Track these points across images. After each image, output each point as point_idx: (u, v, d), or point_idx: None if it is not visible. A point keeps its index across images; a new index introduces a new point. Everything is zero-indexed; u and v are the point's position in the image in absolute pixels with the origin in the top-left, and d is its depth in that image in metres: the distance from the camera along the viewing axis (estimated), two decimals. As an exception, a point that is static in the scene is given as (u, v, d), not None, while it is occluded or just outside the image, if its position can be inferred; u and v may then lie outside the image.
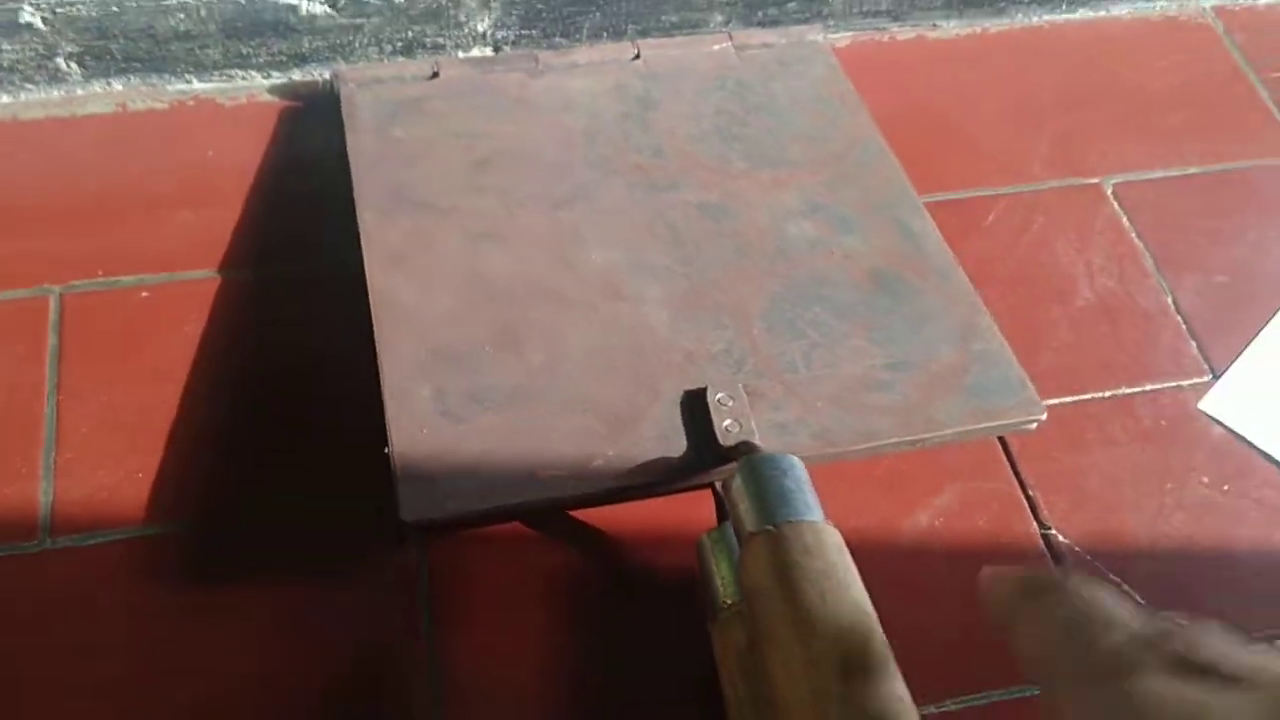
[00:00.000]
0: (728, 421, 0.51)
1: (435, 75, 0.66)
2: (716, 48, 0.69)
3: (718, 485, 0.50)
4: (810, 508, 0.44)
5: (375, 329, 0.53)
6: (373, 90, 0.65)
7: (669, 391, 0.52)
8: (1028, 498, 0.56)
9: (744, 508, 0.44)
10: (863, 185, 0.62)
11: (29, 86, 0.66)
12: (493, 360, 0.53)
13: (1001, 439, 0.57)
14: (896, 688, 0.37)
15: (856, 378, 0.53)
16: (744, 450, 0.49)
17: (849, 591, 0.41)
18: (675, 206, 0.60)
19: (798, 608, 0.40)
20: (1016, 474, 0.56)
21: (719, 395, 0.52)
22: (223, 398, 0.56)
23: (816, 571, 0.41)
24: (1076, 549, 0.54)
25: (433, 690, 0.48)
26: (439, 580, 0.51)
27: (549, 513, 0.51)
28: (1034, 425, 0.54)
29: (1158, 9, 0.80)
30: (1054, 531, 0.55)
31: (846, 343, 0.55)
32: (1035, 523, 0.55)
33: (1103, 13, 0.79)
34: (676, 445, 0.51)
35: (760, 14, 0.73)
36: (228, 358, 0.57)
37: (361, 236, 0.57)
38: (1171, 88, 0.75)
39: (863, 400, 0.53)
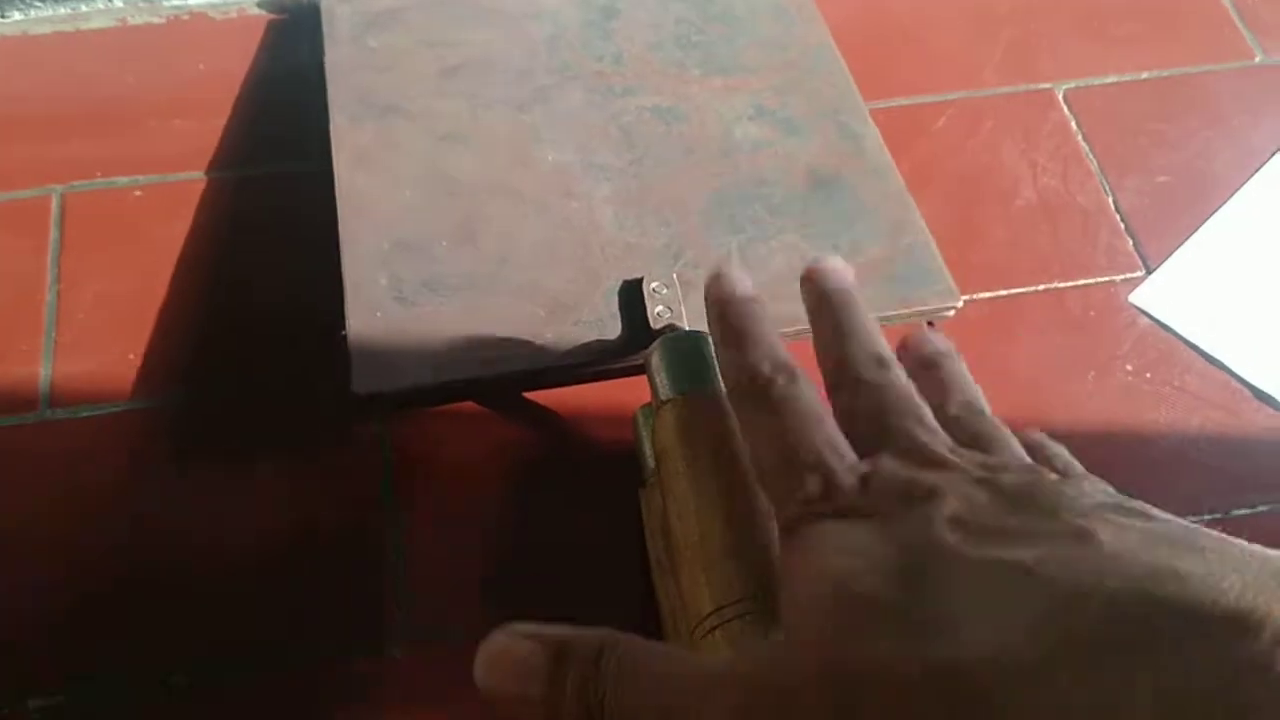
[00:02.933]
0: (660, 308, 0.54)
1: (412, -13, 0.69)
2: (681, -40, 0.72)
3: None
4: (718, 379, 0.48)
5: (339, 223, 0.58)
6: (352, 3, 0.69)
7: (610, 280, 0.56)
8: None
9: (659, 380, 0.48)
10: (811, 91, 0.65)
11: (37, 4, 0.70)
12: (448, 251, 0.57)
13: (932, 328, 0.60)
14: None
15: (786, 270, 0.57)
16: (669, 332, 0.53)
17: (743, 455, 0.45)
18: (629, 110, 0.64)
19: (692, 465, 0.44)
20: None
21: (654, 284, 0.55)
22: (206, 286, 0.60)
23: (714, 434, 0.45)
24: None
25: (394, 548, 0.53)
26: (400, 454, 0.56)
27: (494, 390, 0.56)
28: (951, 312, 0.57)
29: None
30: None
31: (780, 237, 0.58)
32: None
33: None
34: (613, 329, 0.55)
35: None
36: (211, 250, 0.62)
37: (332, 138, 0.61)
38: None
39: (791, 289, 0.55)
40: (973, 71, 0.72)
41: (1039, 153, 0.68)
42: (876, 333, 0.39)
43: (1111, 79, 0.72)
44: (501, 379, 0.54)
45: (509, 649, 0.31)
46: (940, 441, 0.33)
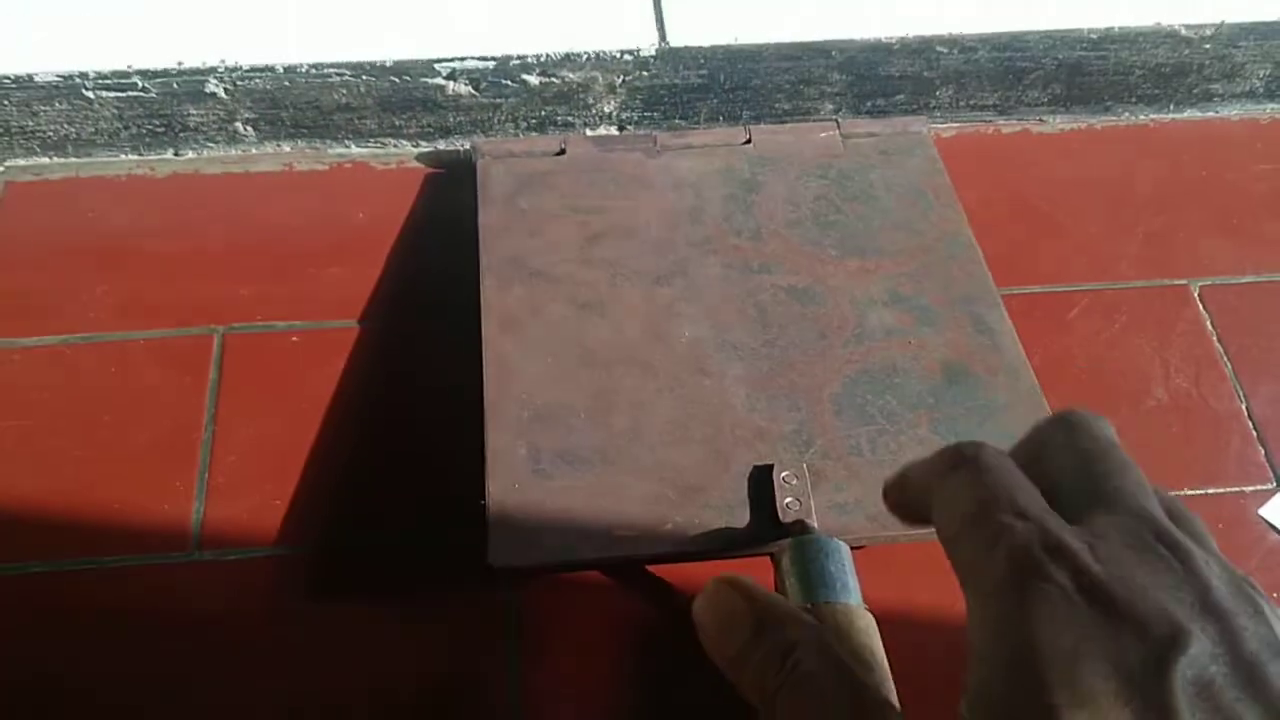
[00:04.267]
0: (789, 499, 0.55)
1: (562, 152, 0.72)
2: (823, 135, 0.74)
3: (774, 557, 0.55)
4: (847, 590, 0.48)
5: (485, 388, 0.60)
6: (505, 163, 0.72)
7: (739, 465, 0.58)
8: None
9: (789, 584, 0.49)
10: (946, 278, 0.66)
11: (210, 145, 0.75)
12: (583, 423, 0.59)
13: None
14: None
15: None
16: (799, 529, 0.53)
17: (871, 673, 0.45)
18: (765, 288, 0.65)
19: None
20: None
21: (784, 473, 0.56)
22: (352, 436, 0.63)
23: (846, 653, 0.45)
24: None
25: (513, 710, 0.55)
26: (526, 617, 0.58)
27: (621, 566, 0.57)
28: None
29: (1268, 112, 0.81)
30: None
31: (911, 431, 0.59)
32: None
33: (1211, 114, 0.81)
34: (740, 517, 0.56)
35: (869, 104, 0.77)
36: (359, 400, 0.65)
37: (481, 301, 0.64)
38: (1273, 191, 0.76)
39: (919, 487, 0.57)
40: (1108, 262, 0.72)
41: (1172, 351, 0.68)
42: None
43: (1249, 278, 0.72)
44: (629, 560, 0.55)
45: (725, 598, 0.35)
46: (1162, 514, 0.29)
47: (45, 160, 0.74)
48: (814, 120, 0.78)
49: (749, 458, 0.58)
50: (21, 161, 0.74)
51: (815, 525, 0.54)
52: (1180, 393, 0.66)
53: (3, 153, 0.73)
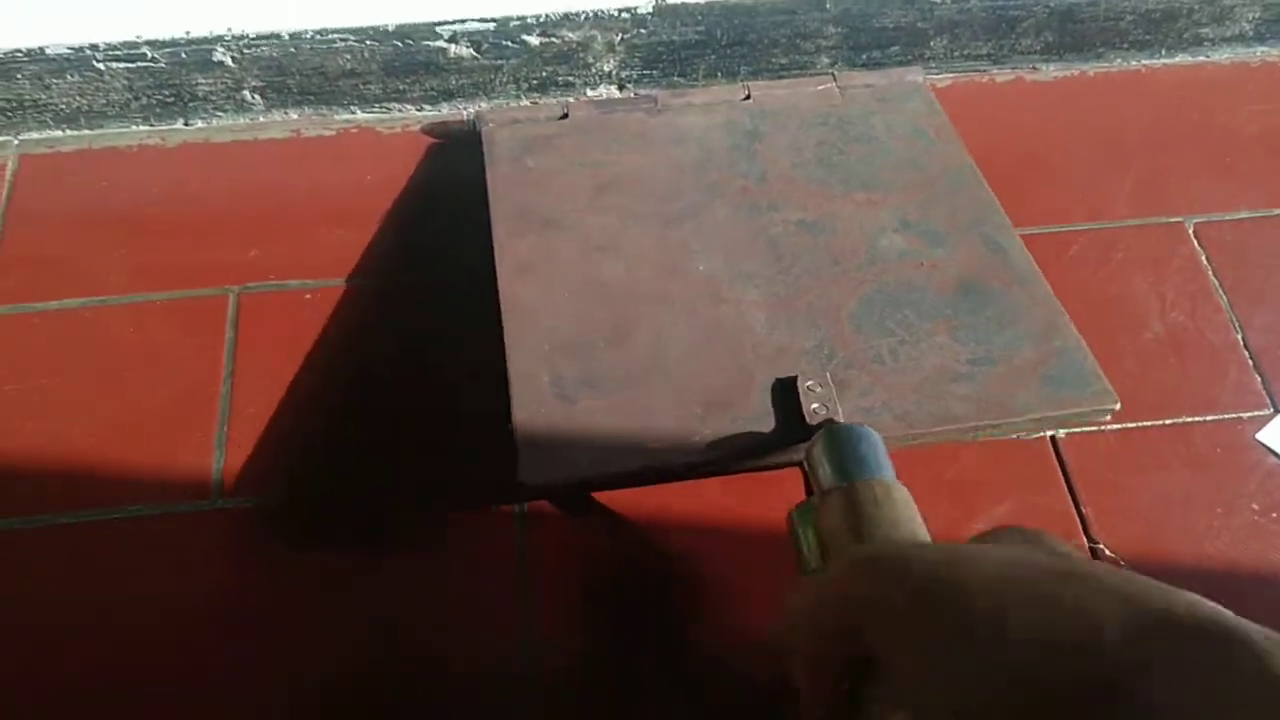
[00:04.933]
0: (815, 404, 0.56)
1: (565, 116, 0.73)
2: (821, 88, 0.75)
3: (804, 463, 0.54)
4: (882, 467, 0.48)
5: (504, 325, 0.60)
6: (510, 129, 0.73)
7: (762, 379, 0.58)
8: (1080, 513, 0.59)
9: (822, 471, 0.49)
10: (953, 206, 0.66)
11: (219, 114, 0.76)
12: (604, 352, 0.59)
13: (1059, 458, 0.61)
14: None
15: (939, 370, 0.58)
16: (829, 423, 0.53)
17: (916, 539, 0.45)
18: (775, 224, 0.66)
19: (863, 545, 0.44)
20: (1071, 491, 0.60)
21: (809, 382, 0.57)
22: (366, 384, 0.63)
23: (886, 521, 0.45)
24: (1122, 563, 0.57)
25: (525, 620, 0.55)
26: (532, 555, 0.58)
27: (653, 480, 0.57)
28: (1108, 415, 0.57)
29: (1258, 54, 0.83)
30: (1102, 546, 0.58)
31: (931, 340, 0.59)
32: (1085, 536, 0.58)
33: (1201, 58, 0.83)
34: (767, 424, 0.56)
35: (864, 57, 0.79)
36: (371, 350, 0.65)
37: (495, 248, 0.64)
38: (1264, 131, 0.77)
39: (944, 389, 0.57)
40: (1104, 202, 0.73)
41: (1168, 286, 0.69)
42: None
43: (1243, 214, 0.73)
44: (659, 472, 0.55)
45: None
46: None
47: (58, 133, 0.75)
48: (811, 74, 0.79)
49: (772, 372, 0.58)
50: (35, 135, 0.74)
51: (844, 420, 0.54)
52: (1177, 326, 0.67)
53: (16, 126, 0.74)
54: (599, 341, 0.60)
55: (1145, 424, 0.62)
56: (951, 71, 0.81)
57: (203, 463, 0.60)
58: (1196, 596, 0.27)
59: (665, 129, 0.73)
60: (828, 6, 0.75)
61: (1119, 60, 0.82)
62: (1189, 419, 0.63)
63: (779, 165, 0.70)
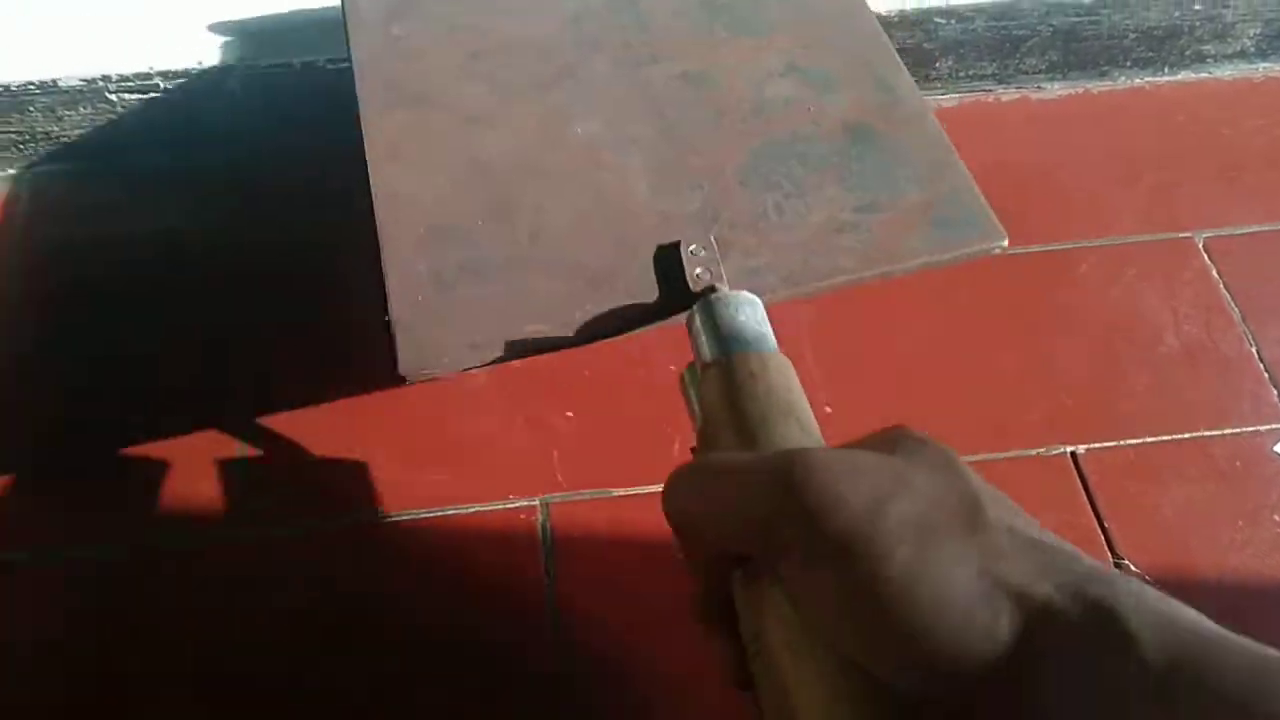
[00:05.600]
0: (699, 269, 0.54)
1: (433, -25, 0.69)
2: (706, -75, 0.71)
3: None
4: (761, 339, 0.47)
5: (376, 213, 0.57)
6: (372, -7, 0.69)
7: (646, 250, 0.56)
8: (1103, 529, 0.59)
9: (701, 342, 0.47)
10: (841, 45, 0.64)
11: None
12: (484, 234, 0.57)
13: (1080, 474, 0.61)
14: None
15: (826, 222, 0.56)
16: (710, 295, 0.52)
17: (792, 410, 0.44)
18: (657, 79, 0.63)
19: (740, 425, 0.43)
20: (1094, 507, 0.60)
21: (691, 247, 0.55)
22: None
23: (760, 392, 0.44)
24: (1147, 578, 0.56)
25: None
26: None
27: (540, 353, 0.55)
28: (997, 250, 0.55)
29: (1260, 70, 0.81)
30: (1126, 561, 0.58)
31: (819, 192, 0.57)
32: (1109, 552, 0.59)
33: (1205, 74, 0.81)
34: (651, 295, 0.54)
35: None
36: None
37: (363, 129, 0.61)
38: (1269, 145, 0.76)
39: (831, 242, 0.55)
40: (1113, 218, 0.72)
41: (1180, 301, 0.68)
42: None
43: (1252, 228, 0.71)
44: (542, 350, 0.54)
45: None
46: None
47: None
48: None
49: (656, 240, 0.56)
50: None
51: (727, 287, 0.52)
52: (1191, 340, 0.66)
53: (28, 158, 0.71)
54: (477, 223, 0.57)
55: (1164, 438, 0.62)
56: (957, 92, 0.80)
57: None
58: (1095, 566, 0.26)
59: (542, -18, 0.69)
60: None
61: (1123, 78, 0.81)
62: (1207, 433, 0.63)
63: (660, 13, 0.66)
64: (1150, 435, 0.62)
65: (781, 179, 0.58)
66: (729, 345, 0.46)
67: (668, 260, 0.55)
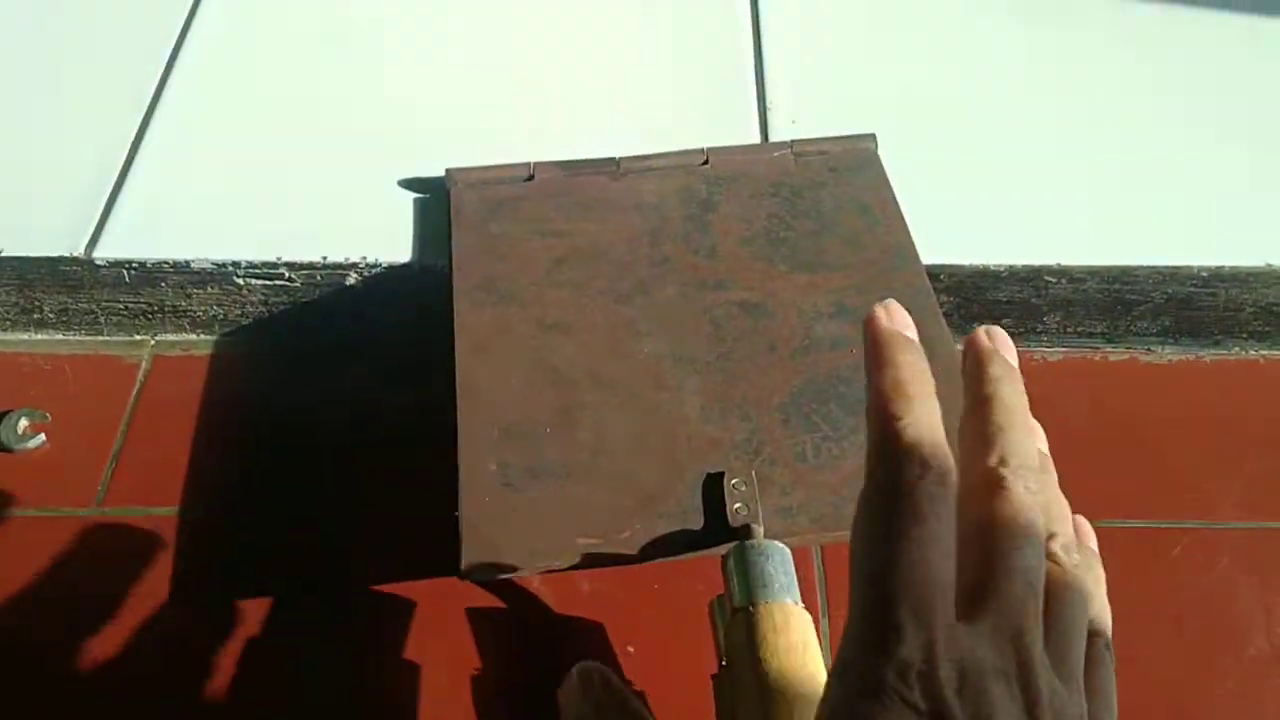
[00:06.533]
0: (738, 504, 0.60)
1: (531, 178, 0.77)
2: (777, 154, 0.78)
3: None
4: (785, 590, 0.53)
5: (458, 408, 0.64)
6: (478, 191, 0.77)
7: (693, 473, 0.62)
8: None
9: (733, 585, 0.54)
10: (889, 290, 0.70)
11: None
12: (550, 440, 0.64)
13: None
14: None
15: (858, 470, 0.61)
16: (745, 534, 0.58)
17: (806, 666, 0.50)
18: (719, 304, 0.70)
19: (760, 677, 0.49)
20: None
21: (734, 480, 0.61)
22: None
23: (781, 646, 0.50)
24: None
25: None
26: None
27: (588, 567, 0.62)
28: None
29: None
30: None
31: (853, 437, 0.63)
32: None
33: None
34: (694, 521, 0.60)
35: (973, 324, 0.75)
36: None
37: (455, 325, 0.68)
38: None
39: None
40: (1213, 500, 0.71)
41: (1276, 598, 0.67)
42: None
43: None
44: (591, 565, 0.60)
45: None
46: (1043, 670, 0.29)
47: (193, 337, 0.82)
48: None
49: (703, 466, 0.62)
50: (171, 337, 0.82)
51: (761, 529, 0.59)
52: None
53: (155, 328, 0.81)
54: (545, 428, 0.64)
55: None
56: (1064, 346, 0.82)
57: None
58: None
59: (625, 194, 0.76)
60: (942, 278, 0.77)
61: (1237, 349, 0.81)
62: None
63: (729, 239, 0.73)
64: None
65: (820, 420, 0.64)
66: (756, 595, 0.52)
67: (711, 490, 0.61)
